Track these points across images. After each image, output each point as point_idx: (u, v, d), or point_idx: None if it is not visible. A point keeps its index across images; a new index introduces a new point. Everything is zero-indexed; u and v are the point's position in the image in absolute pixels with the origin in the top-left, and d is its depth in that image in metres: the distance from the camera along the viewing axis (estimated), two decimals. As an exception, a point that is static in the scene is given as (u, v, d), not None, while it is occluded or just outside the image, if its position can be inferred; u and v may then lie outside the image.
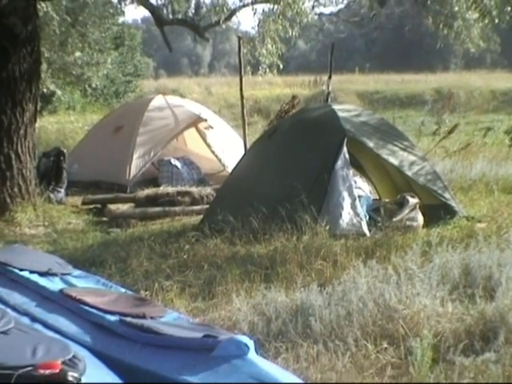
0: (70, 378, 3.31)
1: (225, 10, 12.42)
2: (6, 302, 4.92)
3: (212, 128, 14.93)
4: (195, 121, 14.68)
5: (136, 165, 13.75)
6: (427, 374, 4.39)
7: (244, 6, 12.15)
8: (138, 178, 13.64)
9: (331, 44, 13.68)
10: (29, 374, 3.37)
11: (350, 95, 28.04)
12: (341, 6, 12.11)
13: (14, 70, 10.07)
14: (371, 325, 5.11)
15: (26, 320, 4.48)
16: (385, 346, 4.79)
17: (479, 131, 16.16)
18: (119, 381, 3.69)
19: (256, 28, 15.22)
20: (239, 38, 13.83)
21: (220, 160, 14.36)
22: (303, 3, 12.69)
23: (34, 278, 5.37)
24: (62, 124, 22.84)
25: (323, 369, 4.51)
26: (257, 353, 3.94)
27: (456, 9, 10.67)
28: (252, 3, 12.14)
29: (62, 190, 12.34)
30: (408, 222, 8.65)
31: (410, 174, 9.23)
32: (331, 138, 8.89)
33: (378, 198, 9.73)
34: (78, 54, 17.65)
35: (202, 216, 9.64)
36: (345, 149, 8.71)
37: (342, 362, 4.56)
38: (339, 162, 8.60)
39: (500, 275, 5.78)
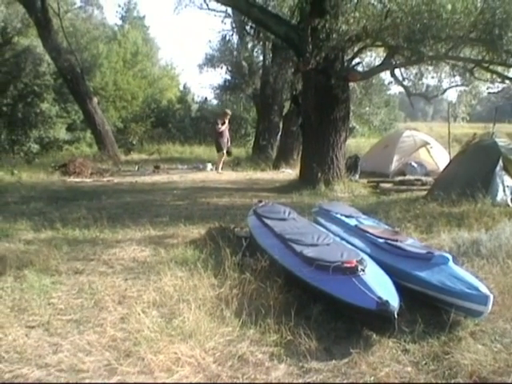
0: (360, 268, 3.25)
1: (441, 89, 11.85)
2: (329, 229, 4.96)
3: (432, 147, 14.14)
4: (424, 144, 14.01)
5: (394, 165, 13.26)
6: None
7: (450, 87, 11.67)
8: (395, 171, 13.06)
9: (495, 108, 12.95)
10: (338, 266, 3.36)
11: (503, 134, 24.72)
12: (499, 88, 11.34)
13: (336, 115, 10.04)
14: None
15: (337, 239, 4.44)
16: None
17: None
18: (382, 272, 3.54)
19: (456, 98, 15.23)
20: (448, 104, 13.81)
21: (436, 164, 13.38)
22: (481, 87, 11.78)
23: (342, 218, 5.34)
24: (358, 143, 22.45)
25: (486, 272, 4.22)
26: (453, 262, 3.71)
27: None
28: (454, 86, 11.65)
29: (357, 175, 12.18)
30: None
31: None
32: (493, 155, 8.04)
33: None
34: (366, 108, 17.48)
35: (426, 192, 9.01)
36: (500, 161, 7.90)
37: (495, 269, 4.23)
38: (497, 168, 7.83)
39: None
